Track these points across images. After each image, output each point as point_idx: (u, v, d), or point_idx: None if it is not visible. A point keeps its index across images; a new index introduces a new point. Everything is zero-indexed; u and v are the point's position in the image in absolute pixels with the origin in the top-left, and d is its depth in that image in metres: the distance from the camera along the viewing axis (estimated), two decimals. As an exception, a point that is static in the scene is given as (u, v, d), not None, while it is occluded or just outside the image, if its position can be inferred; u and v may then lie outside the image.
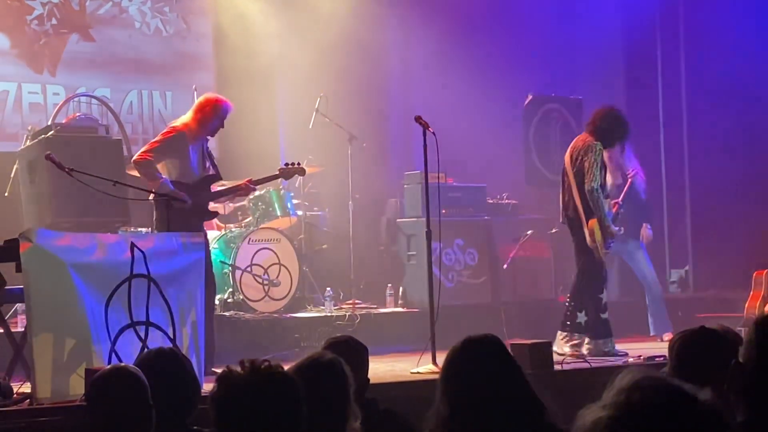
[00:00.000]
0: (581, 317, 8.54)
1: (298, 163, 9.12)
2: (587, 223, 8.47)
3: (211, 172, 8.44)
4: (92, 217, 9.18)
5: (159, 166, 8.20)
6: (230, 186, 8.78)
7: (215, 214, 8.70)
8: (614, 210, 8.86)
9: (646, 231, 10.02)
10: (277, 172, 8.99)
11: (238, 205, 10.50)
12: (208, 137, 8.43)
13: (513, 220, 11.13)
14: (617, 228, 8.75)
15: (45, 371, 6.23)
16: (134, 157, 8.27)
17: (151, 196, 8.11)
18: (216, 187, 8.55)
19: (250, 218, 10.38)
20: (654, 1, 13.10)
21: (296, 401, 2.85)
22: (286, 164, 9.02)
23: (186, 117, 8.43)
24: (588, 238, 8.48)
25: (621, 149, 8.86)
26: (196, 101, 8.57)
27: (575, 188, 8.52)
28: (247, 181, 8.72)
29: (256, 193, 10.29)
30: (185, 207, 7.98)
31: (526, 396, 3.34)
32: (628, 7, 13.15)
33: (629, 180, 9.44)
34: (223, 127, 8.41)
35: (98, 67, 11.35)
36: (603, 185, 8.55)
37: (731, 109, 12.37)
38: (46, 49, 11.07)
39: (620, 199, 9.20)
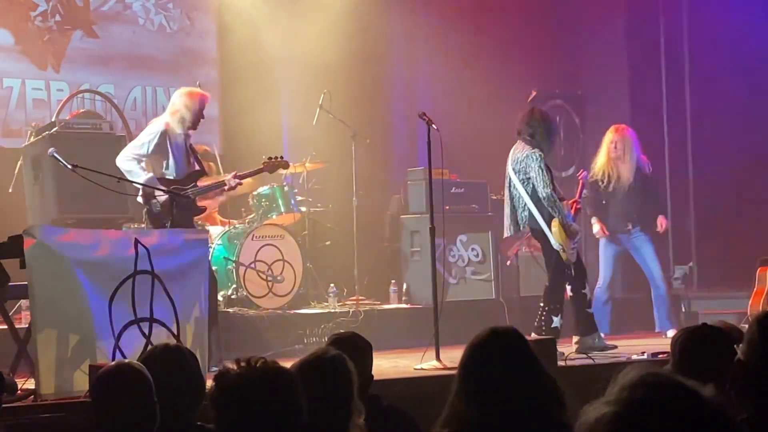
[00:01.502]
0: (557, 321, 8.51)
1: (281, 157, 9.08)
2: (550, 228, 8.46)
3: (196, 167, 8.46)
4: (96, 214, 9.19)
5: (144, 164, 8.22)
6: (216, 181, 8.80)
7: (203, 210, 8.70)
8: (573, 211, 8.85)
9: (662, 221, 10.01)
10: (262, 166, 8.98)
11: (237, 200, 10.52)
12: (190, 132, 8.41)
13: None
14: (578, 226, 8.84)
15: (49, 367, 6.24)
16: (117, 158, 8.24)
17: (140, 193, 8.16)
18: (202, 183, 8.56)
19: (254, 214, 10.38)
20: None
21: (293, 395, 2.87)
22: (270, 158, 8.98)
23: (165, 114, 8.46)
24: (553, 242, 8.47)
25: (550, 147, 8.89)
26: (172, 97, 8.57)
27: (528, 198, 8.51)
28: (233, 175, 8.75)
29: (260, 189, 10.31)
30: (188, 200, 8.03)
31: (552, 392, 3.30)
32: (633, 2, 13.14)
33: (581, 181, 9.43)
34: (203, 117, 8.42)
35: (102, 63, 11.36)
36: (554, 188, 8.56)
37: (736, 105, 12.36)
38: (50, 45, 11.07)
39: (577, 197, 9.20)
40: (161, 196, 8.10)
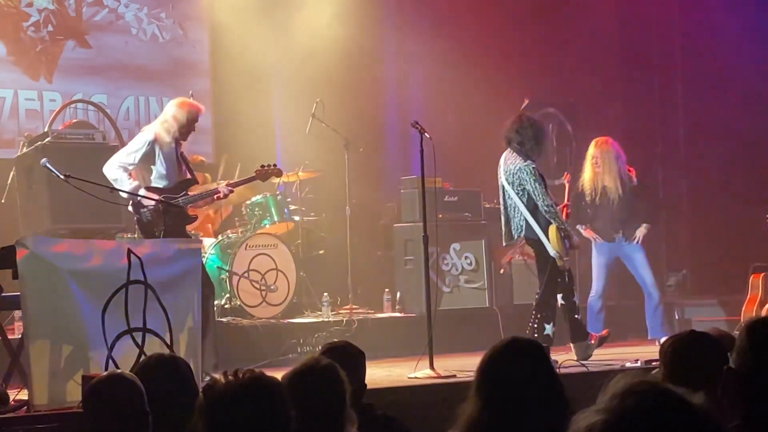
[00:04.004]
0: (549, 329, 8.51)
1: (275, 165, 9.09)
2: (546, 235, 8.45)
3: (188, 176, 8.46)
4: (89, 224, 9.18)
5: (133, 173, 8.23)
6: (208, 189, 8.80)
7: (195, 218, 8.71)
8: (565, 216, 8.85)
9: (640, 230, 10.00)
10: (254, 174, 8.97)
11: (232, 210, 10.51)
12: (181, 141, 8.42)
13: (510, 225, 11.12)
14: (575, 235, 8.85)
15: (42, 378, 6.23)
16: (104, 167, 8.24)
17: (130, 202, 8.17)
18: (193, 191, 8.56)
19: (247, 224, 10.38)
20: (650, 4, 13.12)
21: (281, 406, 2.88)
22: (262, 166, 8.99)
23: (155, 123, 8.46)
24: (550, 249, 8.46)
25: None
26: (166, 106, 8.59)
27: (524, 207, 8.49)
28: (225, 183, 8.77)
29: (253, 198, 10.31)
30: (181, 209, 8.05)
31: (564, 403, 3.31)
32: (625, 10, 13.17)
33: (567, 184, 9.43)
34: (194, 130, 8.43)
35: (95, 73, 11.35)
36: (548, 195, 8.56)
37: (729, 113, 12.38)
38: (42, 55, 11.06)
39: (566, 200, 9.21)
40: (151, 205, 8.11)
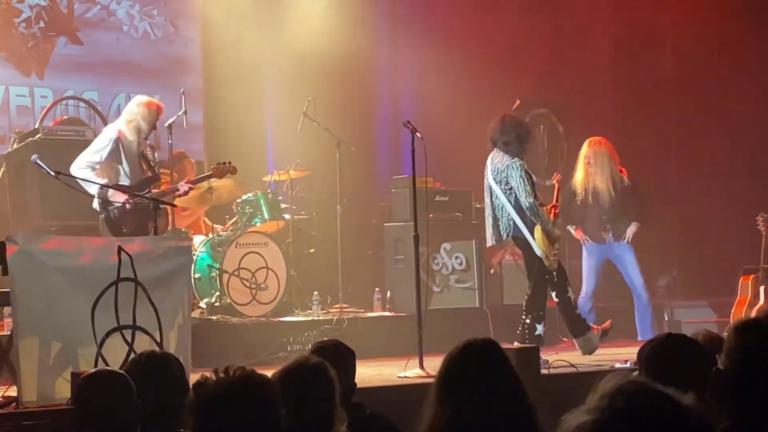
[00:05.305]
0: (540, 329, 8.52)
1: (229, 162, 9.19)
2: (532, 235, 8.47)
3: (149, 174, 8.52)
4: (79, 221, 9.17)
5: (99, 171, 8.27)
6: (169, 186, 8.87)
7: (159, 216, 8.77)
8: (552, 216, 8.85)
9: (630, 229, 10.01)
10: (211, 171, 9.12)
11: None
12: (144, 140, 8.49)
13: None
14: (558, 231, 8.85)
15: (31, 375, 6.22)
16: (71, 167, 8.27)
17: (96, 201, 8.21)
18: (156, 189, 8.62)
19: (238, 222, 10.36)
20: (641, 6, 13.14)
21: (271, 404, 2.88)
22: (219, 163, 9.14)
23: (119, 121, 8.54)
24: (536, 249, 8.47)
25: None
26: (129, 104, 8.68)
27: (511, 207, 8.51)
28: (185, 181, 8.85)
29: (244, 197, 10.30)
30: (145, 207, 8.12)
31: (523, 402, 3.34)
32: (617, 10, 13.19)
33: (557, 185, 9.44)
34: (156, 129, 8.52)
35: (86, 70, 11.33)
36: (535, 196, 8.56)
37: (721, 115, 12.41)
38: (33, 52, 11.04)
39: (555, 201, 9.23)
40: (118, 203, 8.19)
